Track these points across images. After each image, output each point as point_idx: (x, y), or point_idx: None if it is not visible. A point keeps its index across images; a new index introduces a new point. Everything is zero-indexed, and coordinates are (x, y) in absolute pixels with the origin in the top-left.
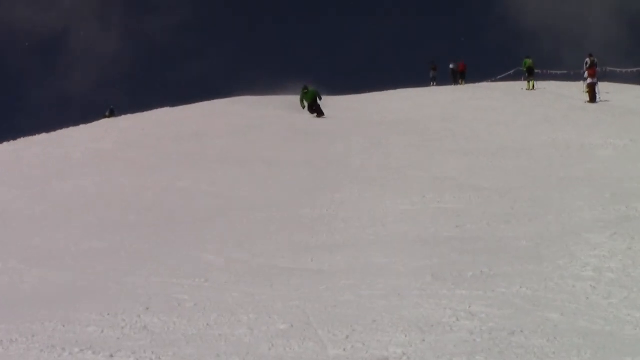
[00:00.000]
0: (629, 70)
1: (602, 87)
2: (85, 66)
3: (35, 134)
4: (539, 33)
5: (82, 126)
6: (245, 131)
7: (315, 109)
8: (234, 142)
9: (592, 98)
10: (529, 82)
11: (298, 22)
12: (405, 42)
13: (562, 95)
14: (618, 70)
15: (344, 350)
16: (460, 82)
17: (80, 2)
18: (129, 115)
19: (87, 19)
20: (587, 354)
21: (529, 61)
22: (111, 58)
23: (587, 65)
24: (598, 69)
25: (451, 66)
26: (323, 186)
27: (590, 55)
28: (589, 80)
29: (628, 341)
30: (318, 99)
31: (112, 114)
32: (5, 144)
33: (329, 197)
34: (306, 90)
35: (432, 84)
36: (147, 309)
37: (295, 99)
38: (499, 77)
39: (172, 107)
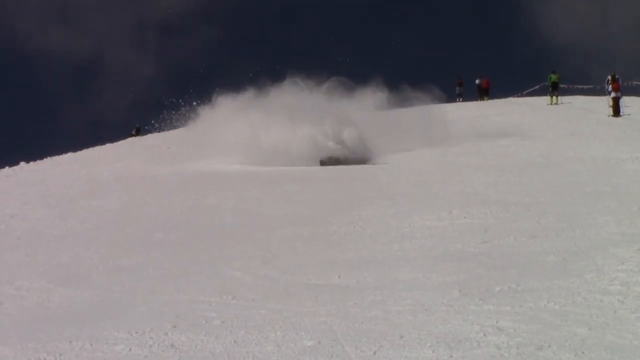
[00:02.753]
0: None
1: (627, 102)
2: (118, 89)
3: (62, 154)
4: (566, 48)
5: (108, 145)
6: None
7: None
8: (259, 156)
9: (616, 112)
10: (552, 97)
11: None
12: (430, 58)
13: (589, 110)
14: None
15: None
16: (484, 98)
17: (114, 27)
18: (155, 134)
19: (120, 43)
20: None
21: (554, 76)
22: (142, 80)
23: (609, 81)
24: (621, 83)
25: (477, 82)
26: (349, 202)
27: (612, 72)
28: (613, 94)
29: None
30: None
31: (138, 132)
32: (32, 163)
33: (356, 213)
34: None
35: (458, 99)
36: (175, 326)
37: None
38: (524, 92)
39: (195, 125)
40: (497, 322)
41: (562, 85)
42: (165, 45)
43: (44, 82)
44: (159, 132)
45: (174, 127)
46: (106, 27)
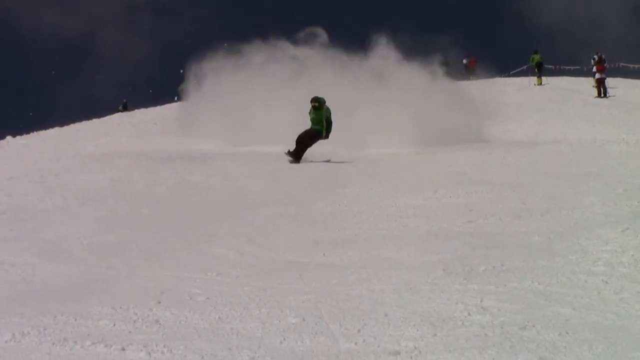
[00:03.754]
0: None
1: (614, 83)
2: (107, 67)
3: (48, 129)
4: (555, 30)
5: (94, 120)
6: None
7: (302, 141)
8: (245, 135)
9: (601, 93)
10: (537, 77)
11: None
12: (418, 37)
13: (575, 91)
14: (631, 66)
15: (356, 344)
16: (470, 78)
17: (106, 7)
18: (142, 110)
19: (111, 22)
20: (598, 348)
21: (536, 57)
22: (133, 59)
23: (595, 61)
24: (607, 64)
25: (464, 61)
26: (334, 181)
27: (598, 52)
28: (597, 76)
29: (639, 336)
30: (321, 130)
31: (125, 108)
32: (18, 137)
33: (341, 192)
34: (315, 105)
35: None
36: (159, 302)
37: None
38: (511, 72)
39: (184, 102)
40: (481, 301)
41: (549, 66)
42: (156, 25)
43: (33, 59)
44: (145, 108)
45: (161, 104)
46: (97, 6)
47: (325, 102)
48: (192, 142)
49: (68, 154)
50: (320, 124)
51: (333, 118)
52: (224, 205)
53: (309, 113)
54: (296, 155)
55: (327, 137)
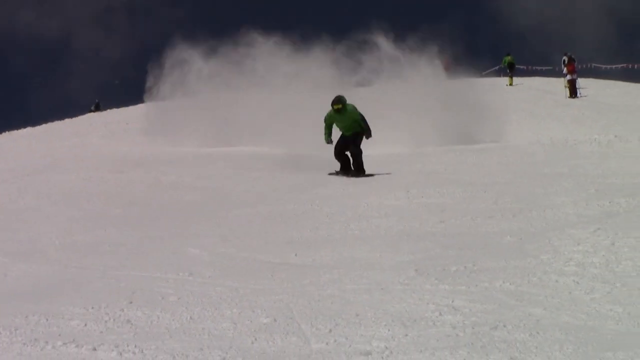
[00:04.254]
0: (614, 66)
1: (585, 83)
2: (82, 67)
3: (20, 129)
4: (528, 31)
5: (67, 120)
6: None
7: (351, 156)
8: (219, 135)
9: (573, 93)
10: (509, 78)
11: None
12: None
13: (547, 92)
14: (603, 66)
15: (327, 344)
16: None
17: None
18: (114, 110)
19: (87, 23)
20: (569, 348)
21: (508, 58)
22: (107, 59)
23: (565, 62)
24: (578, 65)
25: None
26: (307, 182)
27: (566, 53)
28: (569, 77)
29: (610, 336)
30: (359, 131)
31: (98, 108)
32: None
33: (314, 192)
34: (339, 108)
35: None
36: (131, 302)
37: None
38: (484, 72)
39: (157, 102)
40: (452, 301)
41: (521, 67)
42: (132, 26)
43: (7, 59)
44: (118, 108)
45: (134, 104)
46: (71, 7)
47: (346, 99)
48: (165, 143)
49: (40, 154)
50: (355, 126)
51: None
52: (197, 206)
53: (326, 120)
54: (345, 169)
55: (370, 135)
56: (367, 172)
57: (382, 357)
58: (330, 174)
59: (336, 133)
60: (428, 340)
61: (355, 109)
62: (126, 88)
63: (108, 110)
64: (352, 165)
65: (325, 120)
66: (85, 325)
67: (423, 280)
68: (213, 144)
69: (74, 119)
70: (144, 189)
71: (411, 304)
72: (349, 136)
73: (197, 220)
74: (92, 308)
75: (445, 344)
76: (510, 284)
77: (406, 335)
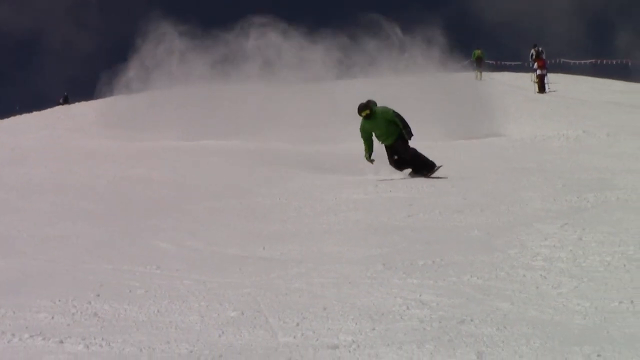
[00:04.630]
0: (583, 62)
1: (554, 78)
2: (51, 61)
3: None
4: (499, 26)
5: (35, 113)
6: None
7: (405, 160)
8: (188, 129)
9: (542, 88)
10: (478, 72)
11: None
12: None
13: (516, 87)
14: (572, 62)
15: (294, 337)
16: None
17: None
18: (83, 103)
19: (58, 17)
20: (536, 343)
21: (478, 52)
22: (77, 53)
23: (533, 56)
24: (547, 60)
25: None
26: (276, 175)
27: (535, 46)
28: (538, 72)
29: (577, 331)
30: (401, 133)
31: (66, 101)
32: None
33: (282, 186)
34: (367, 113)
35: None
36: (98, 295)
37: None
38: (464, 64)
39: (127, 95)
40: (420, 295)
41: (490, 62)
42: (103, 20)
43: None
44: (86, 101)
45: (102, 97)
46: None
47: (375, 103)
48: (134, 136)
49: (7, 147)
50: (392, 130)
51: None
52: (166, 199)
53: (361, 132)
54: (417, 172)
55: (411, 134)
56: (392, 165)
57: (350, 351)
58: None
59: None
60: (395, 334)
61: (386, 108)
62: (95, 81)
63: (76, 104)
64: (419, 169)
65: (361, 133)
66: (53, 318)
67: (391, 274)
68: (184, 138)
69: (42, 112)
70: (113, 182)
71: (379, 298)
72: (391, 145)
73: (166, 214)
74: (60, 301)
75: (412, 337)
76: (477, 278)
77: (373, 329)
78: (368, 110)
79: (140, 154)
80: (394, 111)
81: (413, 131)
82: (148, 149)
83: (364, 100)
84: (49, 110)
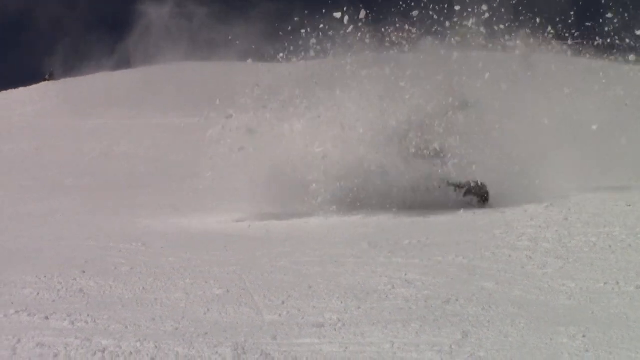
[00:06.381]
0: None
1: None
2: (42, 37)
3: None
4: None
5: (21, 89)
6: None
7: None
8: (172, 106)
9: None
10: None
11: None
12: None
13: None
14: None
15: (280, 315)
16: None
17: None
18: (69, 79)
19: None
20: (521, 323)
21: None
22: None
23: None
24: None
25: None
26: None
27: None
28: None
29: (562, 311)
30: None
31: (52, 77)
32: None
33: None
34: None
35: None
36: (84, 272)
37: None
38: None
39: (112, 72)
40: (405, 274)
41: None
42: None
43: None
44: (74, 77)
45: (89, 73)
46: None
47: None
48: (120, 113)
49: None
50: None
51: None
52: (150, 176)
53: None
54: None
55: None
56: None
57: (335, 329)
58: None
59: None
60: (381, 313)
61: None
62: (86, 55)
63: (63, 80)
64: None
65: None
66: (38, 294)
67: (376, 254)
68: (171, 116)
69: (29, 88)
70: (97, 158)
71: (364, 277)
72: None
73: (150, 191)
74: (45, 277)
75: (397, 317)
76: (463, 258)
77: (359, 307)
78: None
79: (123, 130)
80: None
81: None
82: (132, 125)
83: None
84: (35, 85)
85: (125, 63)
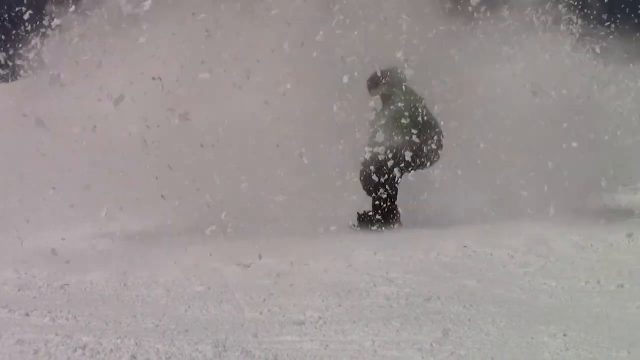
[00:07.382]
0: None
1: None
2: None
3: None
4: None
5: None
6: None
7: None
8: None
9: None
10: None
11: None
12: None
13: None
14: None
15: (261, 313)
16: None
17: None
18: None
19: None
20: (502, 321)
21: None
22: None
23: None
24: None
25: None
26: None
27: None
28: None
29: (543, 310)
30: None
31: None
32: None
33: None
34: (384, 88)
35: None
36: (65, 268)
37: None
38: None
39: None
40: (387, 273)
41: None
42: None
43: None
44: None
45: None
46: None
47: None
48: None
49: None
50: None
51: None
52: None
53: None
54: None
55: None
56: None
57: (316, 327)
58: None
59: None
60: (362, 311)
61: (415, 97)
62: None
63: None
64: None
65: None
66: (19, 290)
67: (359, 252)
68: None
69: None
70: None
71: (346, 275)
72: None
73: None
74: (26, 274)
75: (379, 314)
76: (445, 256)
77: (340, 305)
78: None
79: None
80: (420, 105)
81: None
82: None
83: None
84: None
85: None
